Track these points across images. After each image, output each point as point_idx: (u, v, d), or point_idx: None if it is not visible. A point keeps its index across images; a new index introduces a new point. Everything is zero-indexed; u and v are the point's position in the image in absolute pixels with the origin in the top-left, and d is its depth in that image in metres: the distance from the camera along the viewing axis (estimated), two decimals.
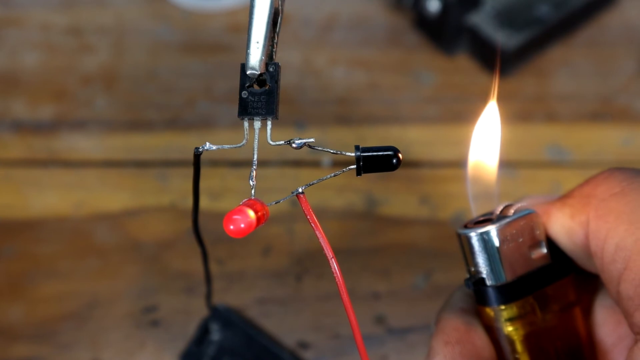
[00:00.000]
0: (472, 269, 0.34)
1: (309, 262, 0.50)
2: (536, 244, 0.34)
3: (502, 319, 0.33)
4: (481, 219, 0.34)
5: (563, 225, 0.33)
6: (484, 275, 0.33)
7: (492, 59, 0.57)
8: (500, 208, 0.34)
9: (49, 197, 0.53)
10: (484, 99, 0.57)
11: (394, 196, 0.52)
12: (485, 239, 0.33)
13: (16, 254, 0.51)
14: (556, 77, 0.57)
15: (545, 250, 0.34)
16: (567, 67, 0.58)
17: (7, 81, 0.58)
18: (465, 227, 0.34)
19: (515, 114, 0.56)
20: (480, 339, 0.33)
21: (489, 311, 0.33)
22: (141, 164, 0.54)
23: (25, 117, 0.56)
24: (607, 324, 0.35)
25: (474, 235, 0.33)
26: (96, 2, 0.62)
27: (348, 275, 0.49)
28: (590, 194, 0.32)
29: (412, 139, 0.55)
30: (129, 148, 0.55)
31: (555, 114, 0.56)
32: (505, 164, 0.54)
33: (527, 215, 0.34)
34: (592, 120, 0.55)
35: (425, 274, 0.50)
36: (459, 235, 0.34)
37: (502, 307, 0.33)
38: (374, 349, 0.47)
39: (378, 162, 0.30)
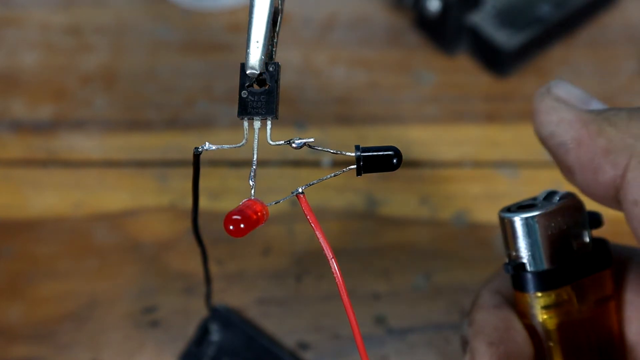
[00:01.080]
0: (513, 253, 0.33)
1: (309, 262, 0.50)
2: (579, 233, 0.33)
3: (539, 306, 0.33)
4: (525, 204, 0.34)
5: (590, 159, 0.31)
6: (525, 261, 0.33)
7: (493, 59, 0.57)
8: (544, 194, 0.34)
9: (48, 197, 0.53)
10: (484, 99, 0.57)
11: (395, 196, 0.52)
12: (529, 224, 0.32)
13: (15, 254, 0.51)
14: (557, 77, 0.57)
15: (587, 240, 0.33)
16: (567, 66, 0.58)
17: (6, 81, 0.58)
18: (509, 210, 0.34)
19: (516, 114, 0.56)
20: (521, 335, 0.33)
21: (526, 297, 0.33)
22: (141, 164, 0.54)
23: (24, 116, 0.56)
24: (633, 321, 0.34)
25: (517, 219, 0.33)
26: (95, 1, 0.62)
27: (348, 276, 0.49)
28: (638, 134, 0.30)
29: (412, 139, 0.55)
30: (129, 148, 0.55)
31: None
32: (506, 164, 0.54)
33: (573, 204, 0.33)
34: None
35: (426, 275, 0.50)
36: (502, 219, 0.33)
37: (540, 294, 0.33)
38: (374, 349, 0.47)
39: (378, 162, 0.30)
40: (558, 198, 0.33)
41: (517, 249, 0.33)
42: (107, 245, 0.51)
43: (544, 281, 0.33)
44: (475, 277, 0.49)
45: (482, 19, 0.56)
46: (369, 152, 0.30)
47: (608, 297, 0.34)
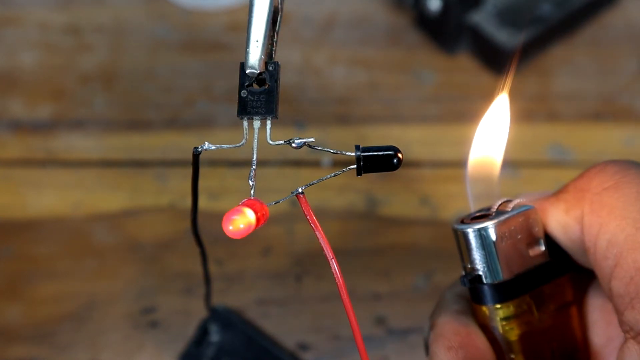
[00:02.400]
0: (468, 266, 0.32)
1: (309, 262, 0.50)
2: (534, 241, 0.33)
3: (498, 318, 0.32)
4: (478, 214, 0.33)
5: (558, 221, 0.32)
6: (481, 273, 0.32)
7: (494, 58, 0.56)
8: (498, 203, 0.33)
9: (47, 197, 0.53)
10: (485, 98, 0.57)
11: (395, 196, 0.52)
12: (482, 235, 0.32)
13: (14, 255, 0.51)
14: (558, 76, 0.57)
15: (543, 248, 0.33)
16: (569, 66, 0.58)
17: (5, 80, 0.58)
18: (462, 222, 0.33)
19: (517, 114, 0.55)
20: (481, 341, 0.32)
21: (485, 310, 0.33)
22: (140, 164, 0.54)
23: (23, 116, 0.56)
24: (598, 325, 0.34)
25: (471, 231, 0.32)
26: (95, 1, 0.62)
27: (348, 276, 0.49)
28: (584, 187, 0.32)
29: (412, 139, 0.55)
30: (128, 148, 0.55)
31: (557, 113, 0.56)
32: (507, 164, 0.54)
33: (526, 211, 0.33)
34: (594, 120, 0.55)
35: (426, 275, 0.50)
36: (455, 231, 0.33)
37: (498, 305, 0.32)
38: (374, 350, 0.47)
39: (378, 162, 0.30)
40: (511, 207, 0.33)
41: (472, 261, 0.32)
42: (107, 246, 0.51)
43: (501, 292, 0.32)
44: None
45: (482, 18, 0.56)
46: (369, 152, 0.30)
47: (569, 303, 0.33)
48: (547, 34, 0.57)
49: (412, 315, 0.48)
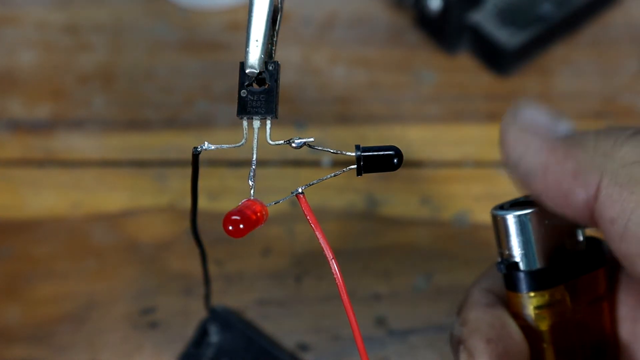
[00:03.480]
0: (506, 252, 0.32)
1: (309, 263, 0.50)
2: (573, 232, 0.33)
3: (532, 306, 0.32)
4: (518, 202, 0.33)
5: (559, 183, 0.30)
6: (518, 260, 0.32)
7: (494, 58, 0.56)
8: None
9: (45, 197, 0.53)
10: (486, 98, 0.57)
11: (395, 196, 0.52)
12: (522, 222, 0.32)
13: (12, 255, 0.51)
14: (559, 76, 0.57)
15: (581, 238, 0.33)
16: (570, 66, 0.57)
17: (3, 80, 0.58)
18: (501, 208, 0.33)
19: None
20: (516, 331, 0.32)
21: (519, 297, 0.32)
22: (139, 164, 0.54)
23: (21, 116, 0.56)
24: (624, 321, 0.34)
25: (510, 217, 0.32)
26: (93, 0, 0.62)
27: (348, 277, 0.49)
28: (607, 153, 0.29)
29: (413, 139, 0.55)
30: (127, 148, 0.55)
31: (558, 113, 0.55)
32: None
33: None
34: (596, 120, 0.55)
35: (427, 275, 0.49)
36: (494, 217, 0.33)
37: (533, 294, 0.32)
38: (374, 351, 0.47)
39: (379, 161, 0.30)
40: None
41: (509, 248, 0.32)
42: (106, 246, 0.51)
43: (538, 281, 0.32)
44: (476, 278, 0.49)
45: (483, 18, 0.56)
46: (369, 151, 0.30)
47: (601, 297, 0.33)
48: (548, 34, 0.57)
49: (412, 316, 0.48)
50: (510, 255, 0.32)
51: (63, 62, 0.59)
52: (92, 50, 0.59)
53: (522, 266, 0.32)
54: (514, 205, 0.33)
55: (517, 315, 0.33)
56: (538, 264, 0.32)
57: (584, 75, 0.57)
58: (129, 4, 0.61)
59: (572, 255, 0.33)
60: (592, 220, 0.30)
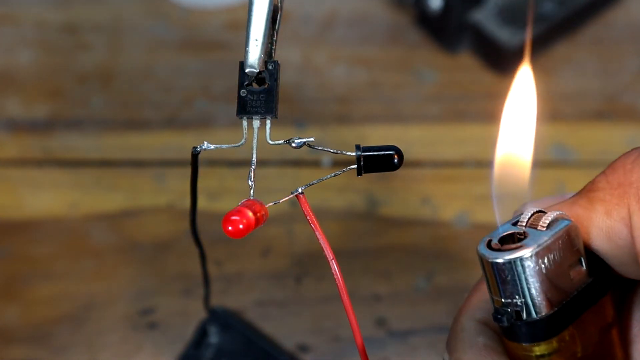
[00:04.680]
0: (502, 300, 0.27)
1: (309, 263, 0.50)
2: (575, 262, 0.28)
3: (536, 355, 0.28)
4: (507, 233, 0.28)
5: (599, 227, 0.27)
6: (518, 309, 0.27)
7: (495, 57, 0.56)
8: (528, 215, 0.28)
9: (44, 197, 0.53)
10: (487, 97, 0.57)
11: (395, 196, 0.52)
12: (520, 265, 0.27)
13: (11, 255, 0.50)
14: (560, 75, 0.57)
15: (584, 267, 0.28)
16: (571, 65, 0.57)
17: (1, 79, 0.58)
18: (489, 246, 0.28)
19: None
20: None
21: (522, 347, 0.28)
22: (138, 164, 0.54)
23: (20, 116, 0.56)
24: (639, 340, 0.30)
25: (504, 262, 0.27)
26: None
27: (348, 277, 0.49)
28: (623, 182, 0.27)
29: (413, 138, 0.55)
30: (126, 147, 0.55)
31: (560, 112, 0.55)
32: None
33: (565, 229, 0.27)
34: (597, 119, 0.55)
35: (427, 276, 0.49)
36: (483, 259, 0.27)
37: (539, 343, 0.28)
38: (374, 351, 0.47)
39: (379, 161, 0.30)
40: (547, 223, 0.27)
41: (506, 296, 0.27)
42: (104, 246, 0.51)
43: (543, 329, 0.27)
44: (477, 279, 0.49)
45: (484, 17, 0.56)
46: (369, 151, 0.30)
47: (610, 324, 0.29)
48: (550, 33, 0.57)
49: (412, 317, 0.48)
50: (509, 304, 0.27)
51: (62, 62, 0.58)
52: (90, 49, 0.59)
53: (524, 315, 0.27)
54: (504, 238, 0.28)
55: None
56: (542, 311, 0.27)
57: (585, 75, 0.57)
58: (128, 4, 0.61)
59: (577, 290, 0.28)
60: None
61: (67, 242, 0.51)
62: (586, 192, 0.28)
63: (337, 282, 0.29)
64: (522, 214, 0.28)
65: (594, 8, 0.58)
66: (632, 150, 0.28)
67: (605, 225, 0.27)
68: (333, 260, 0.29)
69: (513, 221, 0.28)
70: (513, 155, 0.30)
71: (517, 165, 0.31)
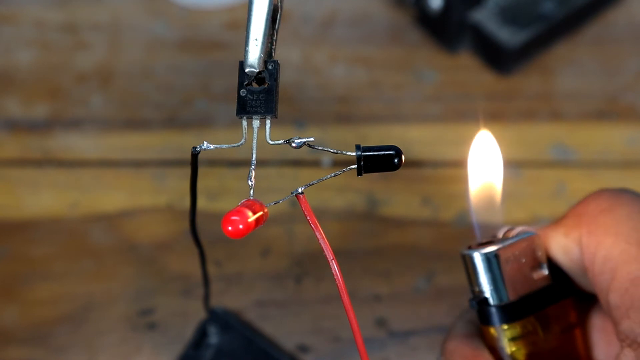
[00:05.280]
0: (476, 289, 0.35)
1: (309, 263, 0.50)
2: (537, 265, 0.35)
3: (505, 339, 0.35)
4: (484, 241, 0.36)
5: (559, 244, 0.35)
6: (487, 295, 0.35)
7: (496, 57, 0.56)
8: (502, 231, 0.36)
9: (43, 197, 0.52)
10: (487, 97, 0.57)
11: (396, 197, 0.52)
12: (488, 259, 0.34)
13: (10, 256, 0.50)
14: (561, 75, 0.57)
15: (546, 272, 0.35)
16: (572, 64, 0.57)
17: (0, 79, 0.57)
18: (469, 248, 0.35)
19: (519, 113, 0.55)
20: None
21: (492, 331, 0.35)
22: (137, 164, 0.54)
23: (19, 115, 0.56)
24: (599, 344, 0.36)
25: (477, 256, 0.35)
26: None
27: (348, 277, 0.49)
28: (581, 212, 0.35)
29: (413, 138, 0.55)
30: (125, 147, 0.54)
31: (560, 112, 0.55)
32: (509, 164, 0.53)
33: (529, 237, 0.35)
34: (598, 119, 0.55)
35: (428, 276, 0.49)
36: (463, 256, 0.35)
37: (505, 326, 0.34)
38: (375, 352, 0.47)
39: (379, 161, 0.30)
40: (515, 234, 0.35)
41: (479, 285, 0.35)
42: (104, 246, 0.51)
43: (507, 313, 0.34)
44: None
45: (484, 16, 0.56)
46: (369, 151, 0.30)
47: (573, 325, 0.36)
48: (550, 33, 0.57)
49: (413, 317, 0.48)
50: (481, 292, 0.35)
51: (61, 61, 0.58)
52: (90, 49, 0.59)
53: (492, 301, 0.35)
54: (482, 244, 0.36)
55: (493, 349, 0.35)
56: (507, 298, 0.35)
57: (585, 75, 0.57)
58: (127, 3, 0.61)
59: (539, 288, 0.35)
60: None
61: (67, 242, 0.51)
62: (558, 219, 0.36)
63: (337, 282, 0.30)
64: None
65: (594, 8, 0.58)
66: (597, 190, 0.35)
67: (563, 243, 0.35)
68: (333, 261, 0.30)
69: (492, 236, 0.36)
70: (485, 184, 0.39)
71: (489, 192, 0.38)
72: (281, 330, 0.48)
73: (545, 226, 0.36)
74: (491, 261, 0.34)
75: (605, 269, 0.33)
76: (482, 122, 0.41)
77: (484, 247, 0.35)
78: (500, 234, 0.36)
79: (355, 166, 0.30)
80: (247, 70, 0.30)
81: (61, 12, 0.61)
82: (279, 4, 0.31)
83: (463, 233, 0.51)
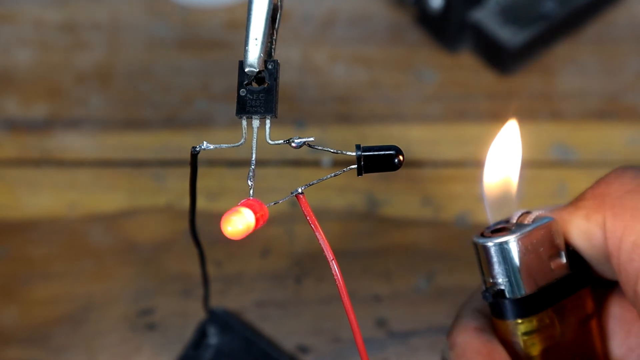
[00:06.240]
0: (490, 280, 0.32)
1: (309, 264, 0.50)
2: (555, 254, 0.33)
3: (520, 333, 0.32)
4: (498, 227, 0.33)
5: (580, 229, 0.32)
6: (503, 287, 0.32)
7: (496, 56, 0.56)
8: (517, 215, 0.33)
9: (42, 197, 0.52)
10: (488, 97, 0.57)
11: (396, 197, 0.52)
12: (504, 249, 0.32)
13: (9, 256, 0.50)
14: (562, 74, 0.57)
15: (564, 260, 0.33)
16: (573, 64, 0.57)
17: None
18: (482, 235, 0.33)
19: (520, 112, 0.55)
20: (503, 358, 0.32)
21: (507, 325, 0.32)
22: (137, 164, 0.54)
23: (18, 115, 0.56)
24: (617, 335, 0.34)
25: (492, 245, 0.32)
26: None
27: (349, 278, 0.49)
28: (603, 193, 0.32)
29: (414, 138, 0.55)
30: (125, 147, 0.54)
31: (561, 112, 0.55)
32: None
33: (547, 224, 0.32)
34: (598, 119, 0.55)
35: (428, 276, 0.49)
36: (476, 245, 0.33)
37: (520, 320, 0.32)
38: (375, 352, 0.47)
39: (379, 161, 0.30)
40: (531, 219, 0.33)
41: (493, 276, 0.32)
42: (103, 247, 0.50)
43: (524, 307, 0.32)
44: (478, 279, 0.49)
45: (485, 16, 0.56)
46: (370, 151, 0.30)
47: (590, 316, 0.33)
48: (551, 32, 0.57)
49: (413, 318, 0.48)
50: (495, 283, 0.32)
51: (60, 61, 0.58)
52: (89, 48, 0.59)
53: (507, 294, 0.32)
54: (495, 231, 0.33)
55: (506, 343, 0.33)
56: (523, 291, 0.32)
57: (586, 74, 0.57)
58: (127, 2, 0.61)
59: (557, 278, 0.33)
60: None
61: (66, 242, 0.51)
62: (574, 201, 0.33)
63: (337, 282, 0.30)
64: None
65: (595, 7, 0.58)
66: (618, 167, 0.32)
67: (584, 227, 0.32)
68: (333, 261, 0.30)
69: (505, 220, 0.33)
70: (502, 178, 0.35)
71: (505, 185, 0.35)
72: (281, 330, 0.48)
73: (560, 208, 0.33)
74: (508, 252, 0.32)
75: (635, 255, 0.30)
76: (512, 113, 0.37)
77: (498, 235, 0.32)
78: (514, 219, 0.33)
79: (355, 166, 0.30)
80: (246, 69, 0.30)
81: (60, 12, 0.61)
82: (279, 3, 0.31)
83: (463, 233, 0.51)
